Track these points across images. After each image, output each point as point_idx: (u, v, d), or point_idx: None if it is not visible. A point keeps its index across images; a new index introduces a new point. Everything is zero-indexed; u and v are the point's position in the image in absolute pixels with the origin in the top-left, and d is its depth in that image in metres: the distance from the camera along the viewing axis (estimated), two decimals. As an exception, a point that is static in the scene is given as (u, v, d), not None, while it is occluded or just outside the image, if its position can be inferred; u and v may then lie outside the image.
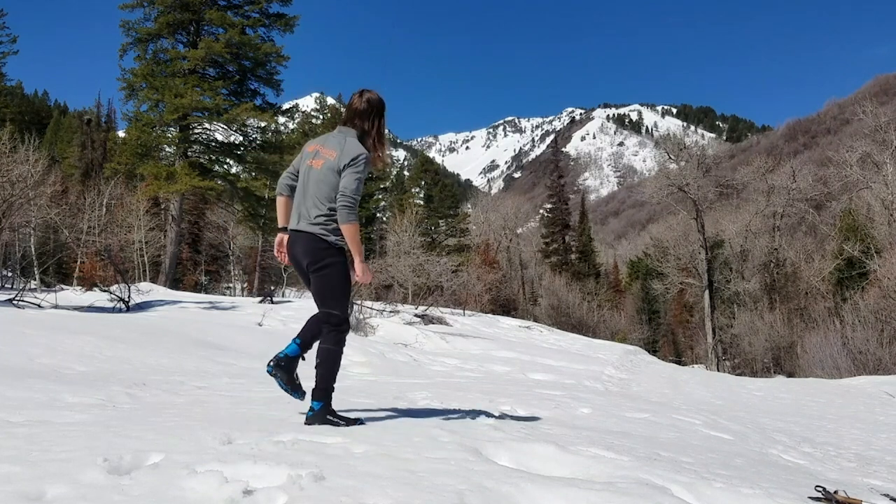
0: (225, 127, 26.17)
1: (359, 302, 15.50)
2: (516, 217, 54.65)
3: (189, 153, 25.92)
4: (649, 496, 2.25)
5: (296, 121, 48.29)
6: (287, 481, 2.07)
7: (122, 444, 2.52)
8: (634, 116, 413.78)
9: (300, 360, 3.33)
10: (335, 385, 3.27)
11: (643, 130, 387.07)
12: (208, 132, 26.50)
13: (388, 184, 51.08)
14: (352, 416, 3.36)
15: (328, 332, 3.20)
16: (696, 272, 37.88)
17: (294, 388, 3.28)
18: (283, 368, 3.25)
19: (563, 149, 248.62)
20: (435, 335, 13.86)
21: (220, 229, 35.15)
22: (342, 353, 3.24)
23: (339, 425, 3.11)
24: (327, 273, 3.17)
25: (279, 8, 26.88)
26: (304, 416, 3.27)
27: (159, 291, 19.13)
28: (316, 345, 3.29)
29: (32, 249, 24.42)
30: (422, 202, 44.41)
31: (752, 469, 3.32)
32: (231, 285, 37.36)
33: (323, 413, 3.16)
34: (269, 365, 3.26)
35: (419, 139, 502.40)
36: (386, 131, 3.39)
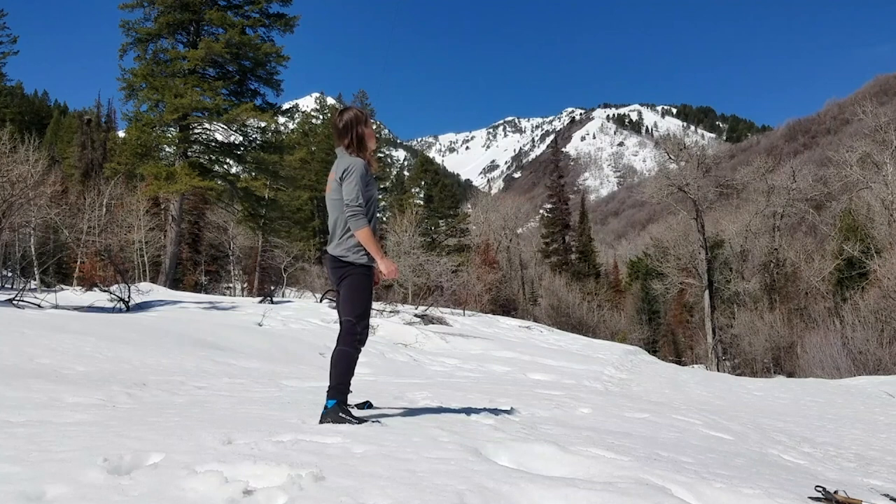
0: (225, 127, 26.15)
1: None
2: (516, 217, 54.64)
3: (189, 153, 25.91)
4: (649, 496, 2.25)
5: (296, 121, 48.29)
6: (287, 481, 2.07)
7: (122, 444, 2.52)
8: (634, 116, 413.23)
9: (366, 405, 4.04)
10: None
11: (643, 130, 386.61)
12: (208, 132, 26.49)
13: (388, 184, 51.13)
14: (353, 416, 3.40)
15: (343, 335, 3.37)
16: (696, 272, 37.85)
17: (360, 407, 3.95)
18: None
19: (563, 149, 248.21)
20: (435, 335, 13.84)
21: (220, 229, 35.04)
22: (356, 356, 3.40)
23: (351, 423, 3.19)
24: (345, 284, 3.42)
25: (279, 8, 26.91)
26: (304, 417, 3.38)
27: (159, 291, 19.12)
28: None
29: (32, 249, 24.35)
30: (422, 202, 44.42)
31: (752, 469, 3.32)
32: (231, 285, 37.23)
33: (335, 411, 3.26)
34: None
35: (419, 139, 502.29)
36: (369, 135, 3.52)
